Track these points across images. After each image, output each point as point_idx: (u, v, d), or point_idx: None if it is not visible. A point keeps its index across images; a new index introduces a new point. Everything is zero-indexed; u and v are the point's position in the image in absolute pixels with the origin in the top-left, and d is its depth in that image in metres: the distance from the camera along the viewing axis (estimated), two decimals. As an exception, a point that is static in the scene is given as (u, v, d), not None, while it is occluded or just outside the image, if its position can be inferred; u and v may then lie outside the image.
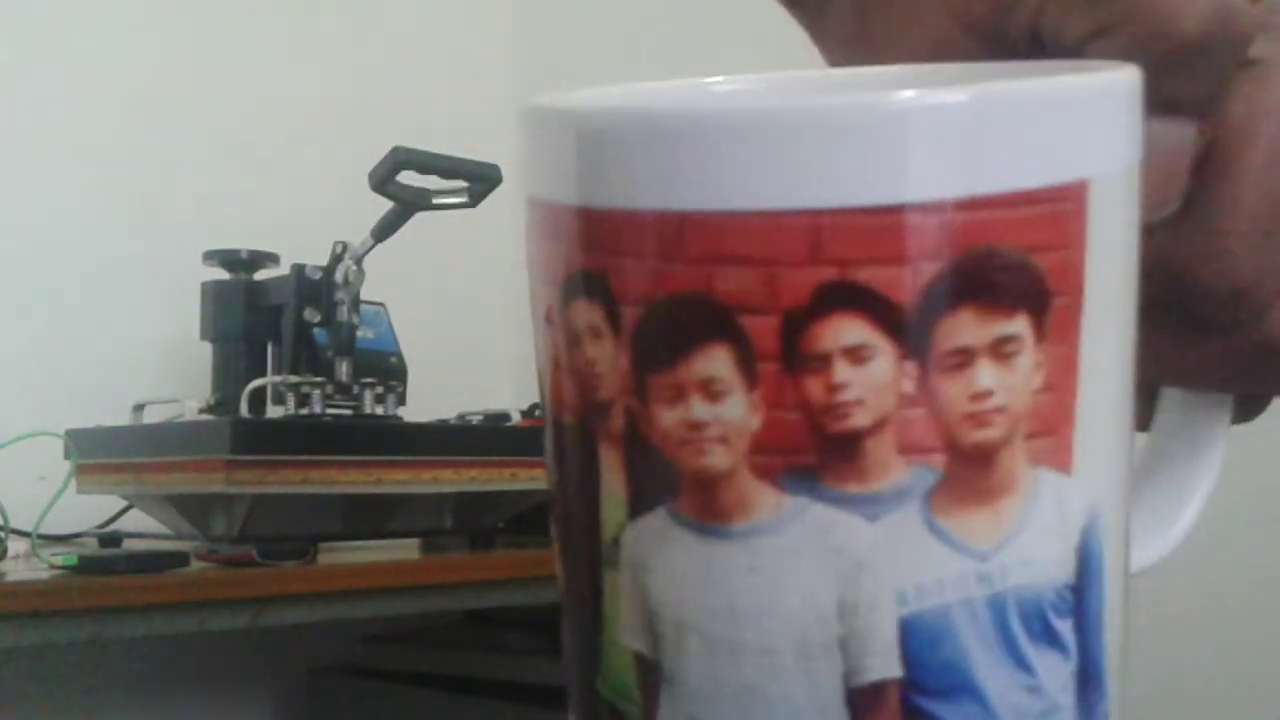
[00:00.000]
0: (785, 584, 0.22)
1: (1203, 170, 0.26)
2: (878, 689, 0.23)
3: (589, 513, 0.24)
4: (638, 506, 0.23)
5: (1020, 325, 0.22)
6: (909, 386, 0.22)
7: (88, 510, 1.50)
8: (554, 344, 0.24)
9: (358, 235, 1.45)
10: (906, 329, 0.22)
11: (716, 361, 0.22)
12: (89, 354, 1.74)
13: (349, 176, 1.47)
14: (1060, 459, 0.23)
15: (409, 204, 1.40)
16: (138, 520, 1.49)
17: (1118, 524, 0.24)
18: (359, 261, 1.46)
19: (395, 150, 1.37)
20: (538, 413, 1.65)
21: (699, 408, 0.22)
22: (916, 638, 0.23)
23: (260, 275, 1.56)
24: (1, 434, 1.32)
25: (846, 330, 0.22)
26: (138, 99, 1.81)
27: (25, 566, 1.23)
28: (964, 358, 0.22)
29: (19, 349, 1.70)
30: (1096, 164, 0.23)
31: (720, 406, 0.22)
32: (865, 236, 0.21)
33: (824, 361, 0.22)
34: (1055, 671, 0.24)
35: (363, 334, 1.49)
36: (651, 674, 0.24)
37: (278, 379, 1.47)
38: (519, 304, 2.39)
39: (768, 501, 0.22)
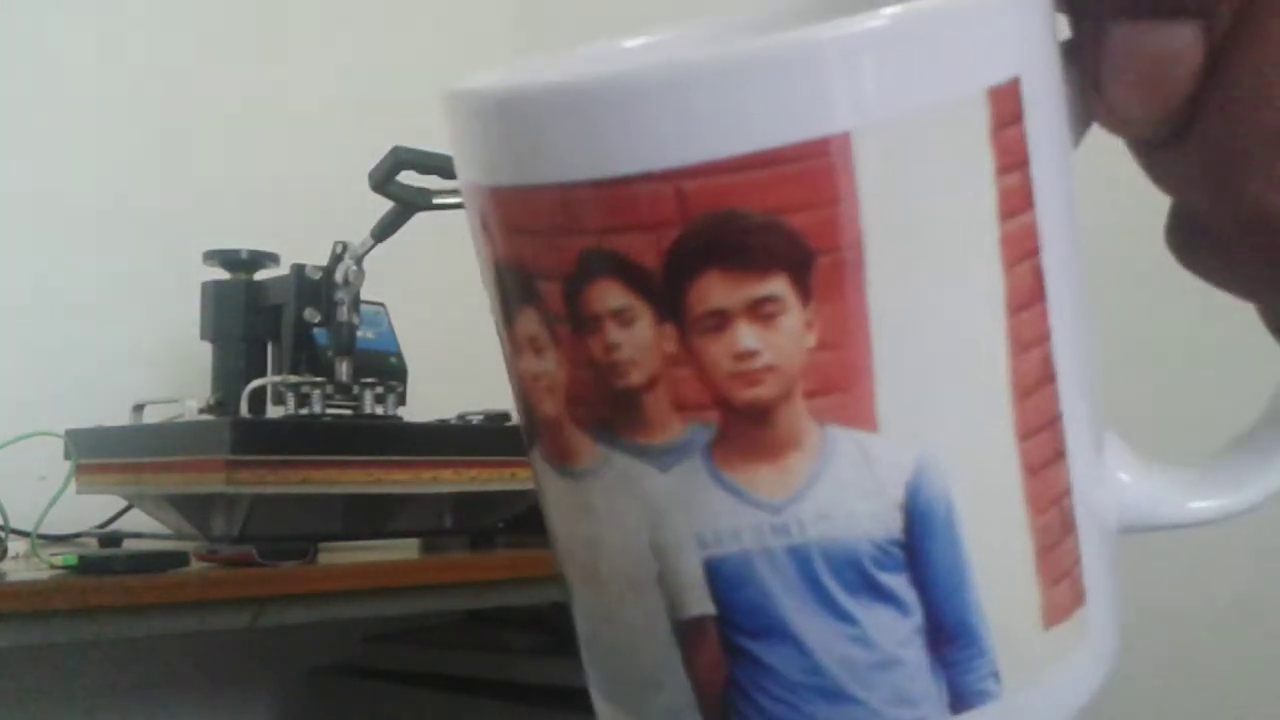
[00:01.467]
0: (611, 523, 0.24)
1: (1218, 73, 0.24)
2: (698, 623, 0.24)
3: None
4: (529, 440, 0.26)
5: (778, 286, 0.22)
6: (671, 347, 0.23)
7: (88, 510, 1.50)
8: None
9: (358, 235, 1.45)
10: (658, 292, 0.22)
11: (530, 320, 0.24)
12: (89, 354, 1.74)
13: (349, 176, 1.47)
14: (858, 416, 0.23)
15: (409, 204, 1.40)
16: (138, 520, 1.49)
17: (975, 478, 0.24)
18: (359, 261, 1.46)
19: (395, 150, 1.37)
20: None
21: (530, 361, 0.24)
22: (722, 580, 0.24)
23: (260, 275, 1.56)
24: (1, 434, 1.31)
25: (610, 294, 0.23)
26: (138, 98, 1.81)
27: (25, 566, 1.23)
28: (721, 319, 0.22)
29: (19, 349, 1.70)
30: (854, 117, 0.22)
31: (541, 360, 0.24)
32: (610, 206, 0.22)
33: (598, 323, 0.23)
34: (889, 625, 0.24)
35: (363, 334, 1.49)
36: (566, 589, 0.26)
37: (278, 379, 1.47)
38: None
39: (585, 449, 0.24)
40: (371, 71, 2.03)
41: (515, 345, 0.25)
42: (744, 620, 0.24)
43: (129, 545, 1.42)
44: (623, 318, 0.23)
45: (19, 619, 1.09)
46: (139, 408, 1.48)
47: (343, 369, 1.46)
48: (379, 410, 1.46)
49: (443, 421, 1.51)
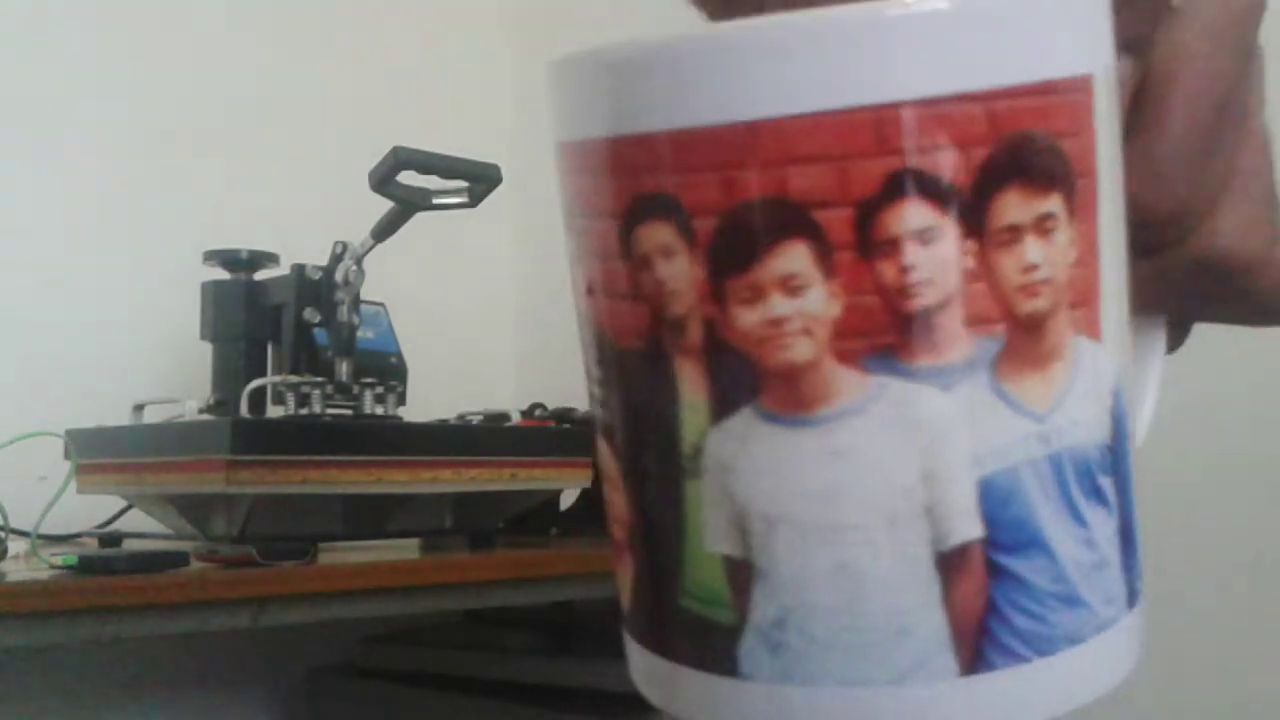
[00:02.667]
0: (872, 461, 0.24)
1: (1139, 102, 0.28)
2: (963, 550, 0.25)
3: (665, 429, 0.25)
4: (720, 410, 0.24)
5: (1055, 204, 0.24)
6: (970, 263, 0.24)
7: (88, 510, 1.50)
8: (612, 275, 0.25)
9: (358, 235, 1.45)
10: (966, 210, 0.23)
11: (795, 257, 0.23)
12: (89, 354, 1.74)
13: (349, 176, 1.47)
14: (1092, 328, 0.25)
15: (409, 204, 1.40)
16: (138, 520, 1.49)
17: (1132, 390, 0.27)
18: (359, 261, 1.46)
19: (395, 150, 1.36)
20: (538, 413, 1.66)
21: (779, 304, 0.24)
22: (991, 498, 0.25)
23: (260, 275, 1.56)
24: (1, 434, 1.31)
25: (914, 214, 0.23)
26: (138, 98, 1.81)
27: (25, 566, 1.23)
28: (1014, 234, 0.24)
29: (19, 349, 1.70)
30: (1096, 61, 0.25)
31: (800, 300, 0.24)
32: (925, 126, 0.23)
33: (895, 246, 0.23)
34: (1103, 526, 0.26)
35: (363, 334, 1.49)
36: (742, 573, 0.25)
37: (278, 379, 1.47)
38: (519, 304, 2.41)
39: (851, 384, 0.24)
40: (371, 71, 2.03)
41: (749, 295, 0.24)
42: (1006, 537, 0.25)
43: (129, 545, 1.42)
44: (924, 237, 0.23)
45: (19, 619, 1.09)
46: (139, 408, 1.48)
47: (343, 369, 1.46)
48: (379, 410, 1.46)
49: (443, 421, 1.51)
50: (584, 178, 0.25)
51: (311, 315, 1.48)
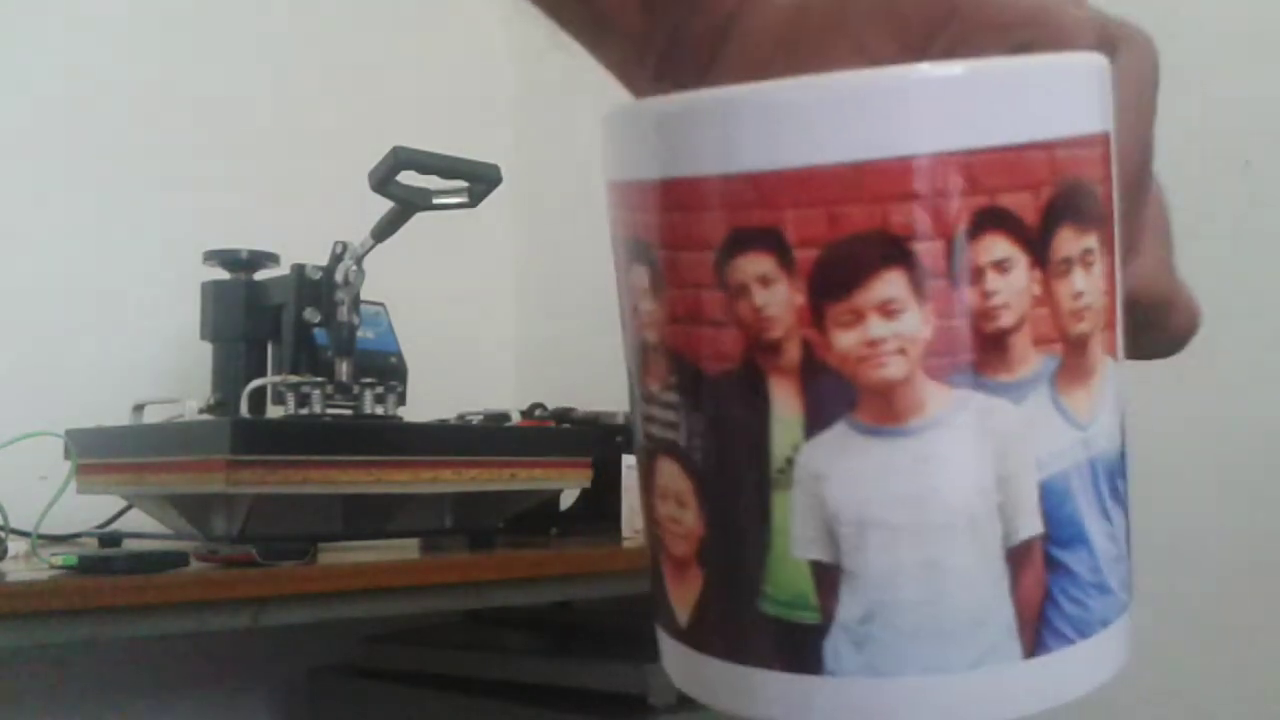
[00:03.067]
0: (957, 466, 0.27)
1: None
2: (1027, 546, 0.28)
3: (754, 445, 0.27)
4: (815, 424, 0.27)
5: (1093, 240, 0.28)
6: (1037, 290, 0.27)
7: (88, 510, 1.50)
8: (701, 303, 0.27)
9: (358, 235, 1.45)
10: (1034, 243, 0.27)
11: (893, 284, 0.26)
12: (89, 354, 1.74)
13: (349, 176, 1.47)
14: (1113, 348, 0.29)
15: (409, 204, 1.40)
16: (138, 520, 1.49)
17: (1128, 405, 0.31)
18: (359, 261, 1.46)
19: (395, 150, 1.37)
20: (538, 413, 1.66)
21: (877, 326, 0.27)
22: (1050, 499, 0.28)
23: (260, 275, 1.56)
24: (1, 434, 1.32)
25: (996, 247, 0.27)
26: (138, 99, 1.81)
27: (25, 566, 1.23)
28: (1067, 266, 0.27)
29: (19, 349, 1.70)
30: (1109, 120, 0.29)
31: (897, 323, 0.26)
32: (1006, 170, 0.27)
33: (979, 274, 0.27)
34: (1121, 522, 0.30)
35: (363, 334, 1.49)
36: (830, 575, 0.27)
37: (278, 379, 1.47)
38: (519, 304, 2.40)
39: (939, 398, 0.27)
40: (371, 71, 2.03)
41: (848, 319, 0.26)
42: (1061, 533, 0.28)
43: (129, 545, 1.42)
44: (1002, 267, 0.27)
45: (19, 619, 1.09)
46: (139, 408, 1.48)
47: (343, 369, 1.46)
48: (379, 410, 1.46)
49: (443, 421, 1.51)
50: (671, 214, 0.27)
51: (311, 315, 1.48)
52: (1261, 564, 1.44)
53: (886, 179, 0.26)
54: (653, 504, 0.30)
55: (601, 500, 1.64)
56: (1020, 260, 0.27)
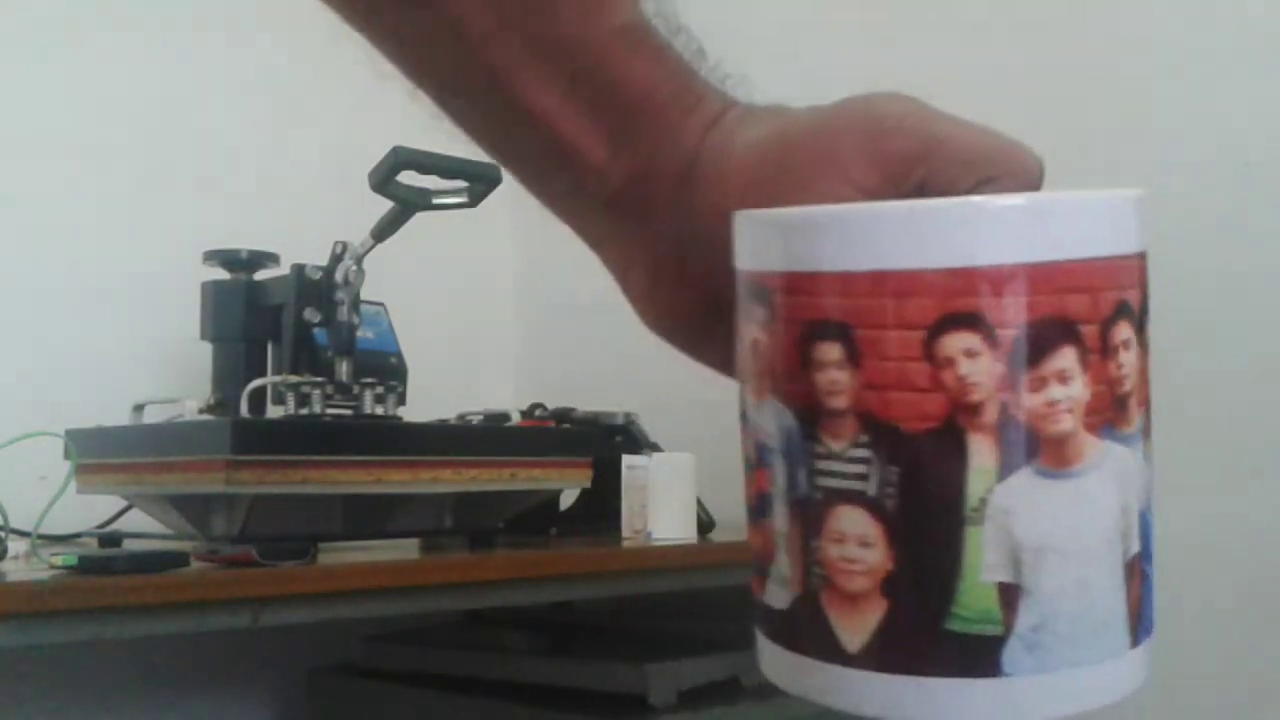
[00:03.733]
0: (1103, 501, 0.34)
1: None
2: (1133, 561, 0.35)
3: (951, 489, 0.33)
4: (1006, 470, 0.33)
5: (1129, 332, 0.35)
6: (1138, 363, 0.35)
7: (88, 510, 1.50)
8: (907, 373, 0.33)
9: (358, 235, 1.45)
10: (1137, 328, 0.35)
11: (1067, 358, 0.34)
12: (89, 354, 1.74)
13: (349, 176, 1.47)
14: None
15: (409, 204, 1.40)
16: (138, 520, 1.49)
17: None
18: (359, 261, 1.46)
19: (395, 150, 1.36)
20: (538, 413, 1.66)
21: (1055, 390, 0.33)
22: (1144, 523, 0.36)
23: (260, 275, 1.56)
24: (1, 434, 1.31)
25: (1123, 330, 0.34)
26: (138, 99, 1.81)
27: (25, 566, 1.23)
28: (1126, 345, 0.35)
29: (19, 349, 1.70)
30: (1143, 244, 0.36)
31: (1068, 388, 0.34)
32: (1131, 271, 0.35)
33: (1115, 350, 0.34)
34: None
35: (363, 334, 1.49)
36: (1012, 594, 0.33)
37: (278, 379, 1.47)
38: (519, 304, 2.39)
39: (1092, 447, 0.34)
40: (371, 71, 2.02)
41: (1035, 384, 0.33)
42: (1147, 549, 0.36)
43: (129, 545, 1.42)
44: (1126, 345, 0.35)
45: (19, 619, 1.09)
46: (139, 408, 1.48)
47: (343, 369, 1.46)
48: (379, 410, 1.46)
49: (443, 421, 1.51)
50: (881, 299, 0.33)
51: (311, 315, 1.48)
52: (1259, 565, 1.44)
53: (1066, 276, 0.33)
54: (819, 546, 0.35)
55: (601, 500, 1.64)
56: (1133, 341, 0.35)
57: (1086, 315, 0.34)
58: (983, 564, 0.33)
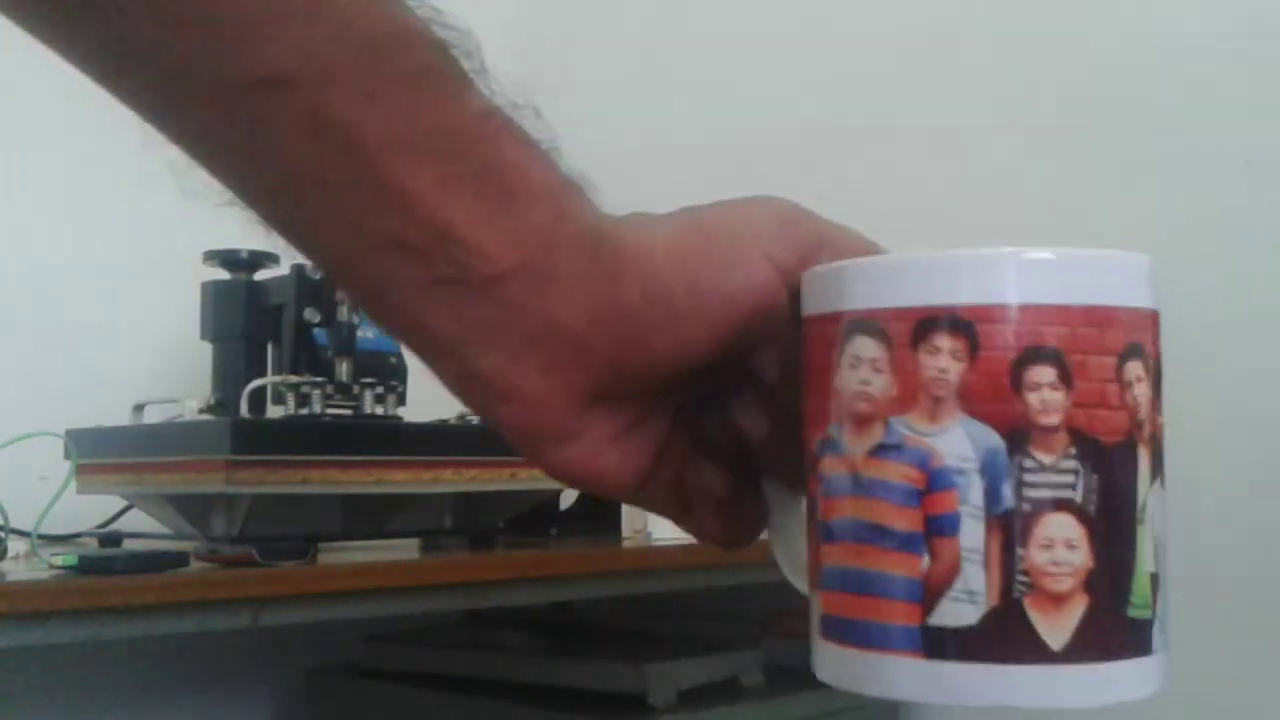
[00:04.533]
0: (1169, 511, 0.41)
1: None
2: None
3: (1131, 494, 0.39)
4: (1152, 478, 0.40)
5: (1141, 369, 0.41)
6: (1151, 394, 0.41)
7: (88, 510, 1.50)
8: (1105, 393, 0.39)
9: (358, 235, 1.45)
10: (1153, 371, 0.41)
11: (1157, 388, 0.41)
12: (89, 354, 1.74)
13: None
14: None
15: (409, 204, 1.40)
16: (138, 520, 1.49)
17: None
18: (359, 261, 1.46)
19: (395, 150, 1.36)
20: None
21: (1165, 414, 0.41)
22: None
23: (260, 275, 1.56)
24: (1, 434, 1.32)
25: (1136, 369, 0.40)
26: (138, 99, 1.80)
27: (25, 566, 1.23)
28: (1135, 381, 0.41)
29: (19, 349, 1.70)
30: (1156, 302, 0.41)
31: (1163, 411, 0.42)
32: (1137, 322, 0.40)
33: (1129, 385, 0.40)
34: None
35: (363, 334, 1.49)
36: (1156, 582, 0.40)
37: (278, 379, 1.47)
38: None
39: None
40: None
41: (1161, 405, 0.41)
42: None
43: (129, 545, 1.42)
44: (1139, 379, 0.40)
45: (19, 619, 1.09)
46: (139, 408, 1.48)
47: (343, 369, 1.46)
48: (379, 410, 1.46)
49: (443, 421, 1.51)
50: (1089, 329, 0.39)
51: (311, 315, 1.48)
52: (1259, 565, 1.44)
53: (1154, 324, 0.41)
54: (1024, 555, 0.38)
55: (601, 500, 1.64)
56: (1144, 376, 0.40)
57: (1099, 349, 0.40)
58: (1145, 557, 0.39)
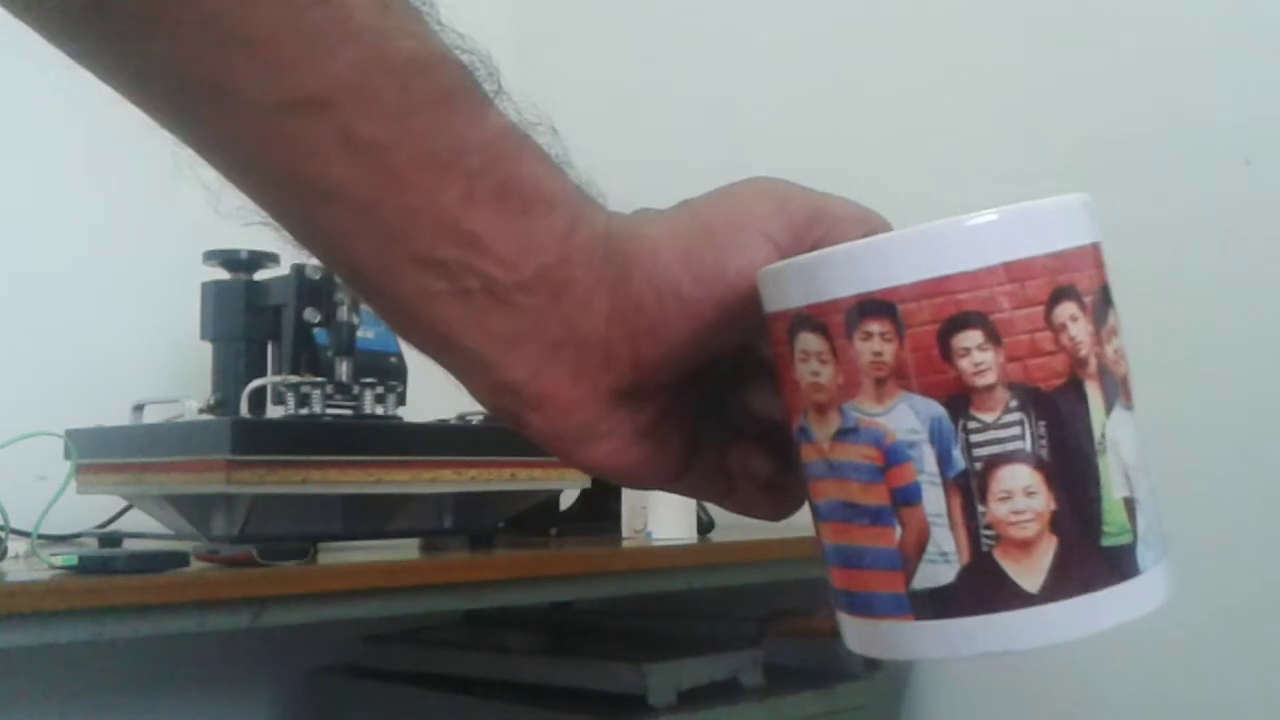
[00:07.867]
0: (1142, 431, 0.42)
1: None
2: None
3: (1084, 431, 0.40)
4: (1108, 408, 0.41)
5: (1076, 309, 0.41)
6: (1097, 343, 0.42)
7: (88, 510, 1.50)
8: (1036, 342, 0.40)
9: (358, 235, 1.45)
10: (1095, 309, 0.42)
11: (1114, 316, 0.42)
12: (89, 354, 1.74)
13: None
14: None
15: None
16: (138, 520, 1.49)
17: None
18: (359, 261, 1.46)
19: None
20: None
21: (1113, 342, 0.42)
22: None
23: (260, 275, 1.56)
24: (1, 434, 1.32)
25: (1068, 309, 0.40)
26: (138, 99, 1.80)
27: (25, 566, 1.23)
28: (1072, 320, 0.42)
29: (19, 349, 1.70)
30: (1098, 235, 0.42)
31: (1117, 339, 0.42)
32: (1091, 261, 0.42)
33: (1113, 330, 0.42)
34: None
35: (363, 334, 1.49)
36: (1130, 505, 0.41)
37: (278, 379, 1.47)
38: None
39: (1135, 388, 0.42)
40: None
41: (1110, 333, 0.41)
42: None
43: (129, 545, 1.42)
44: (1074, 319, 0.41)
45: (19, 619, 1.09)
46: (139, 408, 1.48)
47: (343, 369, 1.46)
48: (379, 410, 1.46)
49: (443, 421, 1.51)
50: (1011, 285, 0.40)
51: (311, 315, 1.48)
52: (1256, 565, 1.44)
53: (1090, 259, 0.41)
54: (985, 510, 0.40)
55: (601, 500, 1.64)
56: (1083, 318, 0.41)
57: (1088, 285, 0.41)
58: (1113, 484, 0.40)
